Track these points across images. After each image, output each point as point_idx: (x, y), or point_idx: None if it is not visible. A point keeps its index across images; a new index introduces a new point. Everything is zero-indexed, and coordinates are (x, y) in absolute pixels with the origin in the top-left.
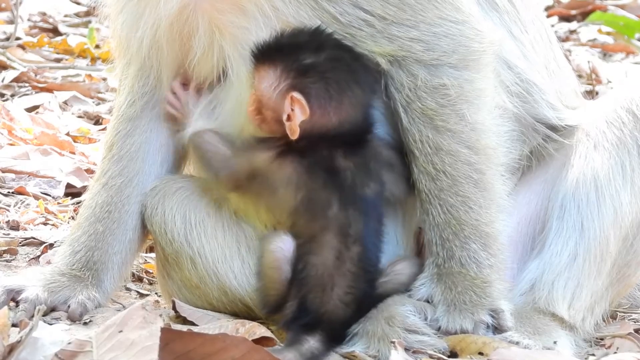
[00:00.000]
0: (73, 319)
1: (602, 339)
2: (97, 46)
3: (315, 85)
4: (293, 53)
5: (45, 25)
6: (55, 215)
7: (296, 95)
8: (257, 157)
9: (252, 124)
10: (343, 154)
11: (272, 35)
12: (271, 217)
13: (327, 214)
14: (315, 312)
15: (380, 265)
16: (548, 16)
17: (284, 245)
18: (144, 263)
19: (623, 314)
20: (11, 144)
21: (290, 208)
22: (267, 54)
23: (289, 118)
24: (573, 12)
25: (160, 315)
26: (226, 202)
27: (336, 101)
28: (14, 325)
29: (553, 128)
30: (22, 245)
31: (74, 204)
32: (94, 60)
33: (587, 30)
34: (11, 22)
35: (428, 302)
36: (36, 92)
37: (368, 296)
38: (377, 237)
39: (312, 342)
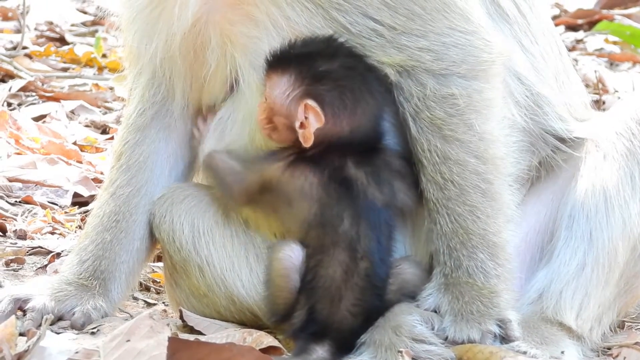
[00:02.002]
0: (75, 328)
1: (609, 349)
2: (104, 55)
3: (330, 93)
4: (307, 60)
5: (52, 35)
6: (62, 224)
7: (310, 102)
8: (268, 169)
9: (262, 133)
10: (354, 164)
11: (285, 43)
12: (283, 228)
13: (338, 230)
14: (323, 322)
15: (387, 278)
16: (555, 26)
17: (292, 254)
18: (152, 272)
19: (631, 324)
20: (18, 153)
21: (303, 221)
22: (280, 61)
23: (302, 126)
24: (580, 21)
25: (168, 325)
26: (235, 211)
27: (350, 110)
28: (21, 334)
29: (562, 140)
30: (30, 255)
31: (81, 213)
32: (100, 69)
33: (594, 40)
34: (18, 31)
35: (435, 312)
36: (43, 102)
37: (376, 307)
38: (386, 252)
39: (320, 352)
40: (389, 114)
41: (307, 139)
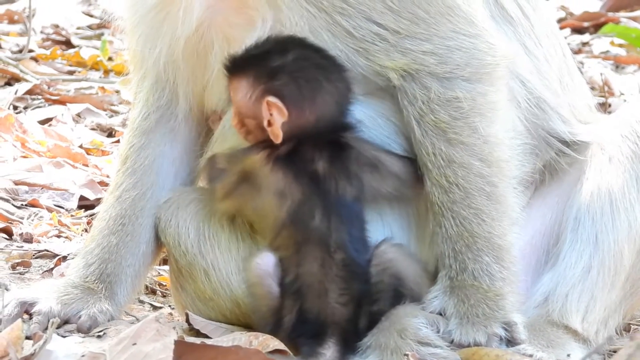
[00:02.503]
0: (81, 331)
1: (615, 352)
2: (110, 58)
3: (287, 87)
4: (261, 60)
5: (58, 38)
6: (68, 227)
7: (271, 99)
8: (250, 159)
9: (239, 135)
10: (325, 158)
11: (241, 49)
12: (256, 229)
13: (309, 226)
14: (316, 320)
15: (368, 263)
16: (560, 28)
17: (261, 261)
18: (157, 276)
19: (636, 327)
20: (24, 157)
21: (275, 219)
22: (238, 65)
23: (269, 123)
24: (585, 24)
25: (174, 328)
26: (218, 210)
27: (310, 99)
28: (27, 337)
29: (566, 143)
30: (36, 258)
31: (87, 216)
32: (106, 72)
33: (600, 43)
34: (24, 34)
35: (441, 314)
36: (49, 105)
37: (364, 292)
38: (360, 242)
39: (328, 356)
40: (354, 99)
41: (276, 136)
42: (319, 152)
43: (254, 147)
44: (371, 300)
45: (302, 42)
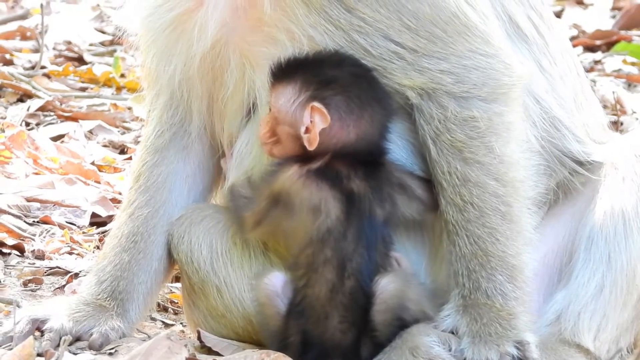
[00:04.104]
0: (93, 349)
1: None
2: (123, 75)
3: (337, 97)
4: (313, 68)
5: (71, 54)
6: (80, 244)
7: (317, 104)
8: (279, 178)
9: (263, 149)
10: (360, 177)
11: (290, 55)
12: (283, 247)
13: (337, 246)
14: (318, 342)
15: (371, 296)
16: (573, 46)
17: (269, 281)
18: (170, 293)
19: None
20: (36, 173)
21: (304, 236)
22: (286, 71)
23: (307, 130)
24: (598, 42)
25: (186, 346)
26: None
27: (356, 115)
28: (39, 355)
29: (579, 162)
30: (48, 275)
31: (99, 233)
32: (119, 89)
33: (612, 61)
34: (37, 50)
35: (453, 333)
36: (61, 121)
37: (363, 321)
38: (376, 270)
39: None
40: (395, 126)
41: (312, 141)
42: (353, 169)
43: (283, 165)
44: (373, 330)
45: (357, 60)
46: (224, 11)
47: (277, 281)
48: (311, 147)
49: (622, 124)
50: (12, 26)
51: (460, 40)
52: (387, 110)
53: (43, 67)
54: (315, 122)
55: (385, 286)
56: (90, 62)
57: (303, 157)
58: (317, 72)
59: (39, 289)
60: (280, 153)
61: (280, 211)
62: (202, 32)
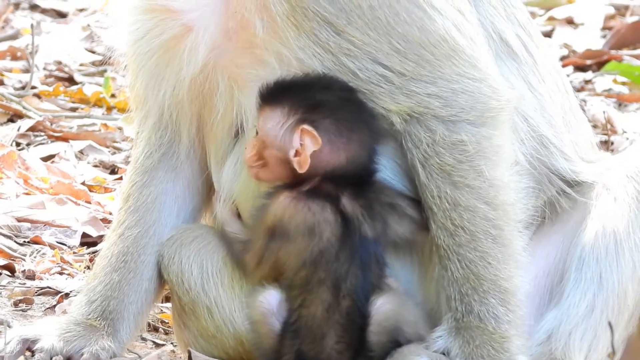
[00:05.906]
0: None
1: None
2: (113, 95)
3: (326, 121)
4: (302, 91)
5: (61, 74)
6: (71, 264)
7: (307, 127)
8: (272, 207)
9: (249, 173)
10: (350, 198)
11: (278, 78)
12: (278, 271)
13: (330, 268)
14: None
15: (367, 316)
16: (563, 66)
17: (264, 299)
18: (160, 313)
19: None
20: (27, 193)
21: (298, 259)
22: (274, 93)
23: (297, 153)
24: (588, 62)
25: None
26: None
27: (346, 138)
28: None
29: (567, 182)
30: (38, 295)
31: (89, 253)
32: (109, 109)
33: (603, 80)
34: (27, 71)
35: (444, 354)
36: (52, 141)
37: (360, 341)
38: (371, 291)
39: None
40: (384, 148)
41: (303, 164)
42: (343, 190)
43: (272, 195)
44: (369, 350)
45: (344, 83)
46: (215, 34)
47: (272, 299)
48: (302, 170)
49: (612, 143)
50: (3, 46)
51: (448, 64)
52: (375, 133)
53: (33, 87)
54: (306, 145)
55: (381, 307)
56: (80, 82)
57: (291, 181)
58: (306, 96)
59: (29, 309)
60: (267, 177)
61: (278, 242)
62: (192, 56)
